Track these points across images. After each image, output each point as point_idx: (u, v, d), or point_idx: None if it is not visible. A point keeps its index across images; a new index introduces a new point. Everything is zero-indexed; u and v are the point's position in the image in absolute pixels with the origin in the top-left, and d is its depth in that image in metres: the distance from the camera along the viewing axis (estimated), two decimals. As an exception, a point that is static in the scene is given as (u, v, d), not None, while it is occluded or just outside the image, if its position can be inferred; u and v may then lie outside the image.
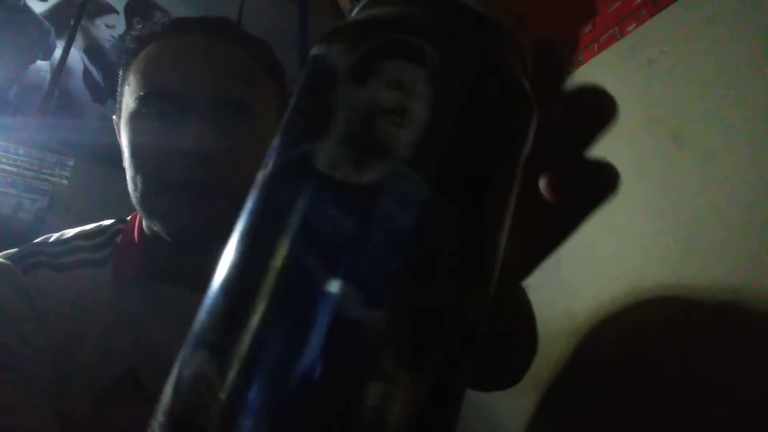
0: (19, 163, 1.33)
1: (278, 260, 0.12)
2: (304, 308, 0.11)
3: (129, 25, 1.47)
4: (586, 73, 0.73)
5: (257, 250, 0.12)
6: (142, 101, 0.46)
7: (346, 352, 0.11)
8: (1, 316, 0.43)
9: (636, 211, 0.61)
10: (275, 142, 0.14)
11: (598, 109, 0.17)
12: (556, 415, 0.66)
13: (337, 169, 0.12)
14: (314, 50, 0.15)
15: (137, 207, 0.49)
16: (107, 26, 1.49)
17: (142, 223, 0.53)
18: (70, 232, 0.54)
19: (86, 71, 1.47)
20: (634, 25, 0.66)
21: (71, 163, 1.36)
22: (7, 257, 0.49)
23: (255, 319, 0.11)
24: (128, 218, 0.56)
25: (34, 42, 1.36)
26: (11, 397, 0.40)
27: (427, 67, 0.13)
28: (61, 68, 1.34)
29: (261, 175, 0.14)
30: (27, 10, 1.34)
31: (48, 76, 1.40)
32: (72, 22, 1.38)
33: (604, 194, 0.18)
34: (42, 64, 1.42)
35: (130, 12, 1.49)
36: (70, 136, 1.38)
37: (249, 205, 0.13)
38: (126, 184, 0.49)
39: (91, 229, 0.55)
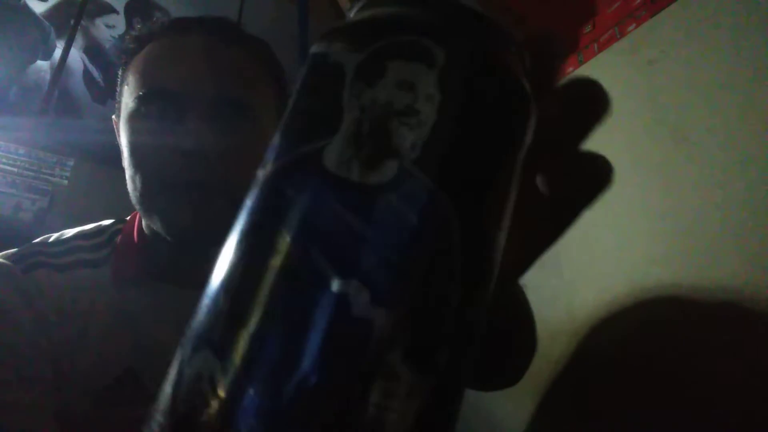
0: (19, 163, 1.33)
1: (284, 258, 0.12)
2: (310, 306, 0.11)
3: (129, 25, 1.47)
4: (586, 73, 0.73)
5: (261, 249, 0.12)
6: (141, 101, 0.46)
7: (352, 350, 0.11)
8: (1, 316, 0.43)
9: (636, 211, 0.61)
10: (276, 140, 0.14)
11: (592, 102, 0.17)
12: (556, 415, 0.66)
13: (347, 168, 0.12)
14: (316, 48, 0.15)
15: (136, 206, 0.49)
16: (107, 26, 1.49)
17: (142, 223, 0.53)
18: (69, 232, 0.54)
19: (86, 71, 1.47)
20: (634, 25, 0.66)
21: (71, 163, 1.36)
22: (6, 257, 0.49)
23: (260, 318, 0.11)
24: (128, 218, 0.56)
25: (34, 42, 1.36)
26: (11, 397, 0.40)
27: (436, 68, 0.13)
28: (61, 68, 1.34)
29: (262, 174, 0.14)
30: (27, 10, 1.34)
31: (48, 76, 1.40)
32: (72, 22, 1.38)
33: (600, 187, 0.18)
34: (42, 64, 1.42)
35: (130, 12, 1.49)
36: (70, 136, 1.38)
37: (250, 203, 0.13)
38: (126, 184, 0.49)
39: (91, 229, 0.55)
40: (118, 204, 0.60)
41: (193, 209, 0.44)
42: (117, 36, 1.48)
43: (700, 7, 0.57)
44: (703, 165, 0.54)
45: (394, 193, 0.12)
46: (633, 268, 0.60)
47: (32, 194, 1.32)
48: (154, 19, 0.52)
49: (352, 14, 0.15)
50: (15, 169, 1.32)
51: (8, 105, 1.35)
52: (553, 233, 0.19)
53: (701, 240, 0.53)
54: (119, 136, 0.50)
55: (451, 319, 0.12)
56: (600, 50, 0.72)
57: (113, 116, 0.53)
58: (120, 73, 0.52)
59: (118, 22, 1.49)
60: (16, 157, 1.33)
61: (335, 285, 0.11)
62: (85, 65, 1.47)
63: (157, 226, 0.47)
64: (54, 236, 0.53)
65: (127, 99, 0.48)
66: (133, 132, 0.47)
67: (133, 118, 0.47)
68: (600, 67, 0.71)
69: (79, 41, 1.44)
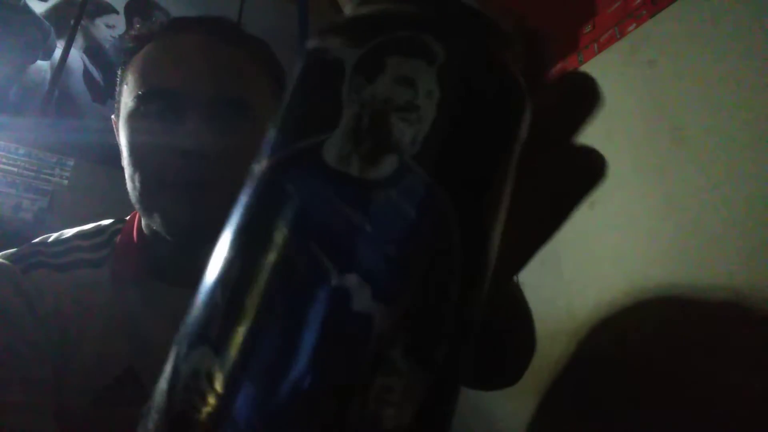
0: (19, 163, 1.32)
1: (283, 253, 0.12)
2: (310, 301, 0.11)
3: (129, 25, 1.47)
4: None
5: (259, 243, 0.12)
6: (140, 100, 0.46)
7: (352, 345, 0.11)
8: (0, 316, 0.43)
9: (636, 211, 0.61)
10: (273, 135, 0.14)
11: (584, 95, 0.17)
12: (556, 415, 0.66)
13: (347, 162, 0.12)
14: (313, 43, 0.15)
15: (136, 206, 0.49)
16: (107, 26, 1.49)
17: (141, 222, 0.53)
18: (69, 232, 0.54)
19: (86, 71, 1.47)
20: (634, 25, 0.66)
21: (71, 163, 1.36)
22: (6, 257, 0.49)
23: (258, 313, 0.11)
24: (127, 218, 0.56)
25: (34, 42, 1.36)
26: (11, 397, 0.40)
27: (435, 65, 0.13)
28: (61, 68, 1.34)
29: (258, 168, 0.13)
30: (27, 10, 1.34)
31: (48, 76, 1.40)
32: (72, 22, 1.38)
33: (593, 180, 0.18)
34: (42, 64, 1.42)
35: (130, 12, 1.49)
36: (70, 136, 1.38)
37: (246, 198, 0.13)
38: (126, 184, 0.49)
39: (90, 229, 0.55)
40: (118, 204, 0.60)
41: (192, 209, 0.44)
42: (117, 36, 1.48)
43: (700, 7, 0.57)
44: (703, 165, 0.54)
45: (394, 189, 0.12)
46: (633, 268, 0.60)
47: (32, 194, 1.31)
48: (154, 19, 0.52)
49: (349, 10, 0.15)
50: (15, 169, 1.32)
51: (8, 105, 1.35)
52: (549, 229, 0.19)
53: (701, 240, 0.53)
54: (118, 135, 0.50)
55: (451, 315, 0.12)
56: (600, 50, 0.72)
57: (112, 116, 0.53)
58: (119, 72, 0.52)
59: (118, 22, 1.49)
60: (16, 157, 1.33)
61: (335, 280, 0.11)
62: (85, 65, 1.47)
63: (157, 226, 0.47)
64: (53, 236, 0.53)
65: (126, 98, 0.48)
66: (132, 131, 0.47)
67: (133, 117, 0.47)
68: (600, 67, 0.71)
69: (79, 41, 1.44)
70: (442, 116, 0.12)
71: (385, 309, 0.11)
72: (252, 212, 0.13)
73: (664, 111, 0.60)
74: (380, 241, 0.11)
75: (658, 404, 0.52)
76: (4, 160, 1.32)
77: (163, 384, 0.12)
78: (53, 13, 1.43)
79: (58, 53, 1.40)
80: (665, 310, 0.55)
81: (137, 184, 0.46)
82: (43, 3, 1.42)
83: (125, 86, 0.49)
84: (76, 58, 1.46)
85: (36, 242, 0.52)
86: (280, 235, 0.12)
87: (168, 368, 0.12)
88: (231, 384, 0.11)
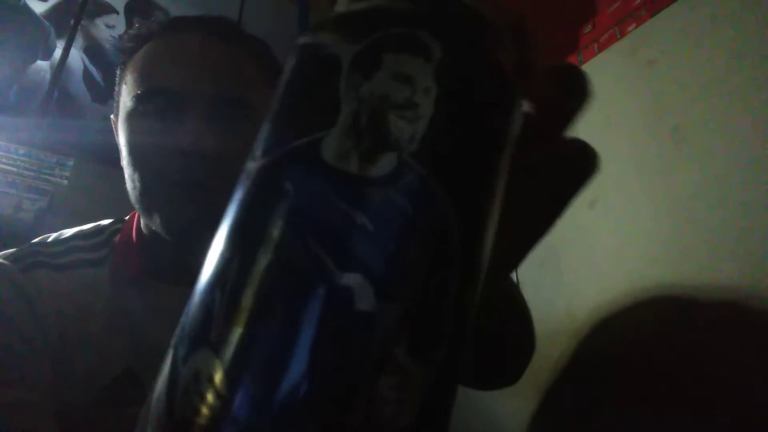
0: (19, 163, 1.32)
1: (283, 251, 0.11)
2: (313, 300, 0.11)
3: (129, 25, 1.47)
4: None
5: (258, 242, 0.12)
6: (139, 100, 0.46)
7: (358, 345, 0.11)
8: (0, 317, 0.43)
9: (636, 211, 0.61)
10: (267, 132, 0.14)
11: (573, 88, 0.17)
12: (556, 415, 0.66)
13: (346, 160, 0.12)
14: (306, 39, 0.15)
15: (136, 206, 0.48)
16: (107, 26, 1.49)
17: (141, 222, 0.53)
18: (68, 232, 0.54)
19: (86, 71, 1.47)
20: (634, 25, 0.66)
21: (71, 163, 1.36)
22: (5, 257, 0.48)
23: (261, 313, 0.11)
24: (126, 218, 0.56)
25: (34, 42, 1.36)
26: (11, 397, 0.40)
27: (433, 62, 0.13)
28: (61, 68, 1.34)
29: (254, 166, 0.13)
30: (27, 10, 1.34)
31: (48, 76, 1.40)
32: (72, 22, 1.38)
33: (587, 173, 0.18)
34: (42, 64, 1.42)
35: (130, 12, 1.49)
36: (70, 136, 1.38)
37: (241, 196, 0.13)
38: (126, 184, 0.49)
39: (90, 228, 0.55)
40: (118, 204, 0.60)
41: (192, 209, 0.44)
42: (117, 36, 1.48)
43: (700, 7, 0.57)
44: (703, 165, 0.54)
45: (394, 186, 0.12)
46: (633, 268, 0.60)
47: (32, 194, 1.31)
48: (153, 18, 0.52)
49: (341, 6, 0.15)
50: (15, 169, 1.32)
51: (8, 105, 1.35)
52: (545, 224, 0.19)
53: (701, 240, 0.53)
54: (117, 135, 0.50)
55: (451, 312, 0.12)
56: (600, 50, 0.72)
57: (111, 116, 0.53)
58: (118, 72, 0.52)
59: (118, 22, 1.49)
60: (16, 157, 1.33)
61: (337, 278, 0.11)
62: (85, 65, 1.47)
63: (157, 226, 0.47)
64: (53, 236, 0.53)
65: (125, 98, 0.48)
66: (131, 131, 0.47)
67: (132, 117, 0.47)
68: (600, 67, 0.71)
69: (79, 41, 1.44)
70: (439, 114, 0.12)
71: (387, 307, 0.11)
72: (249, 211, 0.13)
73: (664, 110, 0.60)
74: (381, 239, 0.11)
75: (658, 404, 0.52)
76: (4, 160, 1.32)
77: (161, 387, 0.12)
78: (53, 13, 1.43)
79: (58, 53, 1.40)
80: (665, 310, 0.55)
81: (137, 184, 0.46)
82: (43, 3, 1.42)
83: (124, 86, 0.49)
84: (76, 58, 1.46)
85: (35, 242, 0.52)
86: (279, 234, 0.12)
87: (165, 371, 0.12)
88: (234, 386, 0.10)
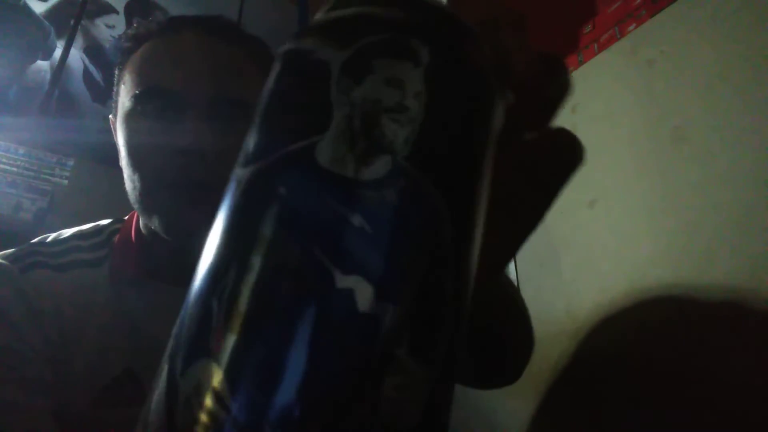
0: (19, 163, 1.32)
1: (283, 257, 0.11)
2: (316, 304, 0.11)
3: (129, 25, 1.47)
4: (586, 73, 0.73)
5: (255, 249, 0.12)
6: (137, 100, 0.46)
7: (362, 346, 0.11)
8: None
9: (636, 211, 0.61)
10: (255, 138, 0.14)
11: (553, 76, 0.18)
12: (556, 415, 0.66)
13: (342, 164, 0.12)
14: (292, 45, 0.15)
15: (135, 206, 0.48)
16: (107, 26, 1.49)
17: (140, 222, 0.53)
18: (67, 232, 0.53)
19: (86, 71, 1.47)
20: (634, 25, 0.66)
21: (71, 163, 1.36)
22: (4, 257, 0.48)
23: (263, 321, 0.11)
24: (126, 218, 0.56)
25: (34, 42, 1.36)
26: (11, 397, 0.40)
27: (421, 66, 0.13)
28: (61, 68, 1.34)
29: (245, 172, 0.13)
30: (27, 10, 1.34)
31: (48, 76, 1.40)
32: (72, 22, 1.38)
33: (573, 163, 0.18)
34: (42, 64, 1.42)
35: (130, 12, 1.49)
36: (70, 136, 1.38)
37: (234, 202, 0.13)
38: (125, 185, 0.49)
39: (89, 228, 0.55)
40: (118, 204, 0.60)
41: (192, 209, 0.44)
42: (117, 36, 1.48)
43: (699, 7, 0.57)
44: (703, 164, 0.54)
45: (390, 188, 0.12)
46: (633, 268, 0.60)
47: (32, 194, 1.31)
48: (151, 18, 0.51)
49: (323, 13, 0.15)
50: (15, 169, 1.32)
51: (8, 105, 1.35)
52: (535, 217, 0.19)
53: (701, 240, 0.53)
54: (116, 135, 0.50)
55: (449, 311, 0.12)
56: (600, 50, 0.72)
57: (110, 116, 0.53)
58: (116, 72, 0.52)
59: (118, 22, 1.49)
60: (16, 157, 1.33)
61: (339, 282, 0.11)
62: (85, 65, 1.47)
63: (156, 226, 0.47)
64: (52, 236, 0.53)
65: (123, 98, 0.48)
66: (130, 131, 0.47)
67: (130, 117, 0.47)
68: (600, 67, 0.71)
69: (79, 41, 1.44)
70: (430, 117, 0.13)
71: (388, 308, 0.11)
72: (243, 217, 0.13)
73: (663, 110, 0.60)
74: (380, 240, 0.11)
75: (658, 404, 0.52)
76: (4, 160, 1.32)
77: (158, 402, 0.11)
78: (53, 13, 1.43)
79: (58, 53, 1.40)
80: (665, 310, 0.55)
81: (136, 184, 0.46)
82: (43, 3, 1.42)
83: (122, 86, 0.49)
84: (76, 58, 1.46)
85: (34, 242, 0.52)
86: (277, 239, 0.12)
87: (162, 385, 0.12)
88: (239, 394, 0.10)
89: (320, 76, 0.13)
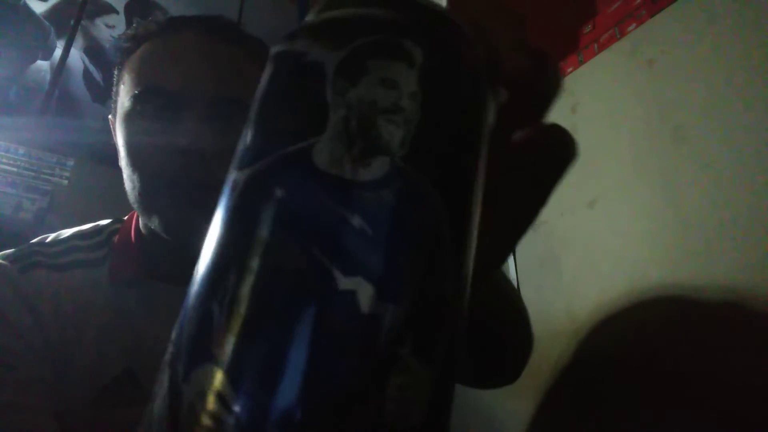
0: (19, 163, 1.32)
1: (283, 260, 0.11)
2: (319, 306, 0.11)
3: (129, 25, 1.47)
4: (586, 73, 0.73)
5: (258, 252, 0.12)
6: (137, 99, 0.46)
7: (367, 347, 0.11)
8: None
9: (636, 211, 0.61)
10: (250, 140, 0.14)
11: (543, 72, 0.18)
12: (556, 415, 0.66)
13: (339, 166, 0.12)
14: (284, 47, 0.15)
15: (135, 206, 0.48)
16: (107, 26, 1.49)
17: (139, 222, 0.52)
18: (67, 232, 0.53)
19: (86, 71, 1.47)
20: (634, 25, 0.66)
21: (71, 163, 1.36)
22: (3, 257, 0.48)
23: (266, 324, 0.11)
24: (125, 218, 0.56)
25: (34, 42, 1.36)
26: (11, 397, 0.39)
27: (416, 67, 0.13)
28: (61, 68, 1.34)
29: (242, 175, 0.13)
30: (27, 10, 1.35)
31: (48, 76, 1.40)
32: (72, 22, 1.38)
33: (566, 158, 0.18)
34: (42, 64, 1.42)
35: (130, 12, 1.49)
36: (70, 136, 1.38)
37: (231, 205, 0.13)
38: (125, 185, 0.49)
39: (88, 228, 0.55)
40: (118, 204, 0.60)
41: (191, 208, 0.44)
42: (117, 36, 1.48)
43: (699, 7, 0.57)
44: (704, 164, 0.54)
45: (388, 189, 0.12)
46: (633, 268, 0.60)
47: (32, 194, 1.32)
48: (150, 18, 0.51)
49: (313, 15, 0.16)
50: (15, 169, 1.32)
51: (8, 105, 1.36)
52: (527, 217, 0.19)
53: (701, 240, 0.53)
54: (115, 135, 0.50)
55: (449, 310, 0.12)
56: (600, 50, 0.72)
57: (109, 116, 0.53)
58: (116, 72, 0.52)
59: (118, 22, 1.49)
60: (16, 157, 1.33)
61: (341, 283, 0.11)
62: (85, 65, 1.47)
63: (156, 226, 0.47)
64: (51, 236, 0.53)
65: (123, 98, 0.48)
66: (129, 131, 0.47)
67: (130, 117, 0.47)
68: (600, 67, 0.71)
69: (79, 41, 1.44)
70: (426, 117, 0.13)
71: (391, 309, 0.11)
72: (241, 221, 0.13)
73: (664, 110, 0.60)
74: (380, 241, 0.11)
75: (658, 404, 0.52)
76: (4, 160, 1.32)
77: (161, 407, 0.11)
78: (53, 13, 1.43)
79: (58, 53, 1.40)
80: (665, 310, 0.55)
81: (136, 184, 0.46)
82: (43, 3, 1.42)
83: (122, 86, 0.49)
84: (76, 58, 1.46)
85: (34, 242, 0.52)
86: (278, 242, 0.12)
87: (164, 392, 0.11)
88: (245, 398, 0.10)
89: (315, 77, 0.13)
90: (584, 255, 0.68)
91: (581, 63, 0.74)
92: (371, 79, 0.13)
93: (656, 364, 0.54)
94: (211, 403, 0.10)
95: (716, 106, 0.54)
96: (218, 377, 0.11)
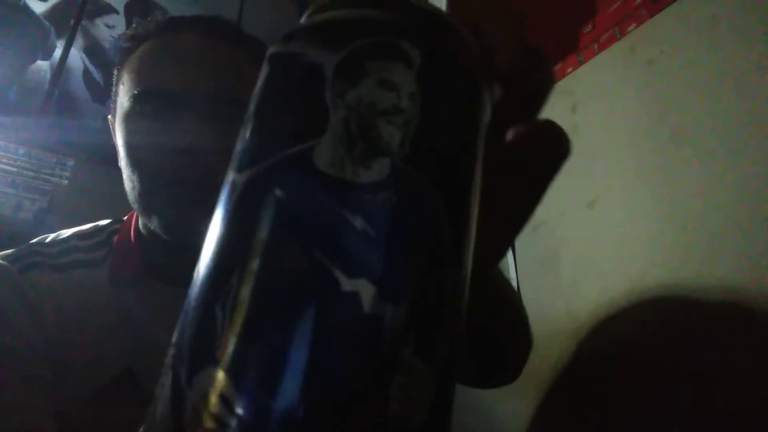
0: (19, 163, 1.32)
1: (286, 262, 0.11)
2: (322, 308, 0.11)
3: (129, 25, 1.47)
4: (586, 73, 0.73)
5: (256, 254, 0.12)
6: (136, 100, 0.46)
7: (370, 348, 0.11)
8: None
9: (636, 211, 0.61)
10: (248, 142, 0.14)
11: (536, 68, 0.18)
12: (556, 415, 0.66)
13: (341, 167, 0.12)
14: (281, 48, 0.15)
15: (134, 206, 0.48)
16: (107, 26, 1.49)
17: (139, 222, 0.53)
18: (66, 233, 0.54)
19: (86, 71, 1.47)
20: (634, 25, 0.66)
21: (71, 163, 1.36)
22: (3, 258, 0.48)
23: (269, 326, 0.11)
24: (125, 218, 0.56)
25: (34, 42, 1.36)
26: (11, 397, 0.40)
27: (414, 68, 0.13)
28: (61, 68, 1.34)
29: (241, 177, 0.13)
30: (27, 10, 1.35)
31: (48, 76, 1.40)
32: (72, 22, 1.38)
33: (560, 154, 0.18)
34: (42, 64, 1.42)
35: (130, 12, 1.49)
36: (70, 136, 1.38)
37: (231, 207, 0.13)
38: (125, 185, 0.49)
39: (88, 229, 0.55)
40: (118, 204, 0.60)
41: (191, 208, 0.44)
42: (117, 36, 1.48)
43: (699, 7, 0.57)
44: (703, 165, 0.54)
45: (389, 190, 0.12)
46: (633, 268, 0.60)
47: (32, 194, 1.31)
48: (150, 18, 0.51)
49: (308, 17, 0.16)
50: (15, 169, 1.32)
51: (8, 105, 1.35)
52: (523, 214, 0.19)
53: (701, 240, 0.53)
54: (115, 135, 0.50)
55: (449, 310, 0.12)
56: (600, 50, 0.71)
57: (109, 116, 0.53)
58: (115, 72, 0.52)
59: (118, 22, 1.49)
60: (16, 157, 1.33)
61: (344, 284, 0.11)
62: (85, 65, 1.47)
63: (155, 226, 0.47)
64: (51, 236, 0.53)
65: (122, 98, 0.48)
66: (129, 131, 0.47)
67: (129, 117, 0.47)
68: (600, 67, 0.71)
69: (79, 41, 1.44)
70: (425, 118, 0.13)
71: (393, 309, 0.11)
72: (242, 223, 0.12)
73: (664, 110, 0.60)
74: (382, 242, 0.12)
75: (658, 404, 0.52)
76: (4, 160, 1.32)
77: (163, 410, 0.11)
78: (53, 13, 1.43)
79: (58, 53, 1.40)
80: (665, 310, 0.55)
81: (136, 184, 0.46)
82: (43, 3, 1.42)
83: (121, 86, 0.49)
84: (76, 58, 1.46)
85: (34, 242, 0.52)
86: (280, 245, 0.12)
87: (166, 395, 0.11)
88: (250, 400, 0.10)
89: (313, 79, 0.13)
90: (584, 255, 0.68)
91: (581, 63, 0.74)
92: (370, 80, 0.13)
93: (656, 364, 0.54)
94: (214, 405, 0.10)
95: (716, 106, 0.54)
96: (221, 379, 0.11)
